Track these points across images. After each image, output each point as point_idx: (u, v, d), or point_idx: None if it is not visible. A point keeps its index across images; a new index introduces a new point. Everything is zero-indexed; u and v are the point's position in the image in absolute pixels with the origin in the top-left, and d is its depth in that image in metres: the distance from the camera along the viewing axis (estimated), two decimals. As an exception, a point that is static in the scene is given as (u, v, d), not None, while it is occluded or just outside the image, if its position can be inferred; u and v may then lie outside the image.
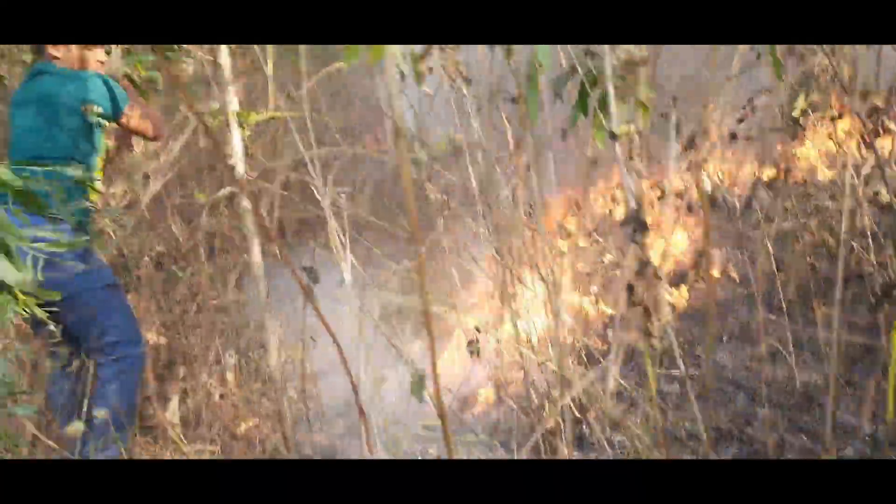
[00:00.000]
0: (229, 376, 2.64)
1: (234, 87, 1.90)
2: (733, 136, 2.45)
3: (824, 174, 3.05)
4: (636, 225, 0.66)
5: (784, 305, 2.01)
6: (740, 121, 2.24)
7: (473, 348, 1.36)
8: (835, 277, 1.95)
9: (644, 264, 0.66)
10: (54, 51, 2.20)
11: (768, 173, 3.54)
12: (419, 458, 1.61)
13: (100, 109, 2.14)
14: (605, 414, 1.30)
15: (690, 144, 2.30)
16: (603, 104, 1.40)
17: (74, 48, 2.21)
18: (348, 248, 1.45)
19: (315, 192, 1.47)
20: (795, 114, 2.01)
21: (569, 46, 1.46)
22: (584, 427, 1.77)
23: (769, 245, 1.91)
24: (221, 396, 2.67)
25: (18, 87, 2.28)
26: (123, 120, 2.23)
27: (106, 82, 2.17)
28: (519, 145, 1.82)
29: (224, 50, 1.86)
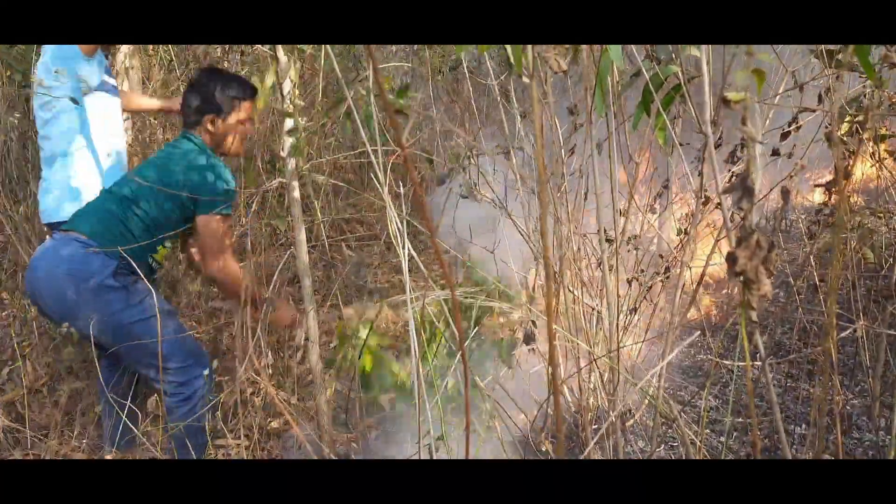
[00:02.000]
0: (263, 373, 2.65)
1: (291, 83, 1.95)
2: (775, 153, 2.47)
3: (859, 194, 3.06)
4: (742, 191, 0.67)
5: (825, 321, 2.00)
6: (784, 137, 2.26)
7: (530, 341, 1.37)
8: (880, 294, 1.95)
9: (748, 233, 0.68)
10: (210, 125, 2.23)
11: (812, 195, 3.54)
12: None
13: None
14: (659, 410, 1.31)
15: (732, 158, 2.32)
16: (666, 105, 1.43)
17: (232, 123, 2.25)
18: (405, 238, 1.47)
19: (375, 179, 1.49)
20: (842, 133, 2.02)
21: (634, 51, 1.49)
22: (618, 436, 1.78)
23: (812, 261, 1.92)
24: (253, 393, 2.68)
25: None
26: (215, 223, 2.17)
27: (228, 182, 2.18)
28: (572, 152, 1.85)
29: (280, 47, 1.91)
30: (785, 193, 1.03)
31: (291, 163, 2.00)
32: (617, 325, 1.44)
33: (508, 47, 0.86)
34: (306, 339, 2.11)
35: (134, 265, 2.06)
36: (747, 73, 0.69)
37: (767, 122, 2.33)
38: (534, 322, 1.40)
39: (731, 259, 0.69)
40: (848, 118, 2.01)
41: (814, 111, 2.13)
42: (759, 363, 0.96)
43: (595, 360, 1.43)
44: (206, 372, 2.20)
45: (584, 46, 1.36)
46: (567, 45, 0.91)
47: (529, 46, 0.83)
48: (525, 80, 0.84)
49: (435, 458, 1.53)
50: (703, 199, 1.82)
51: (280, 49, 1.95)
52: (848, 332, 1.70)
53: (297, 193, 2.00)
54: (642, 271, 2.20)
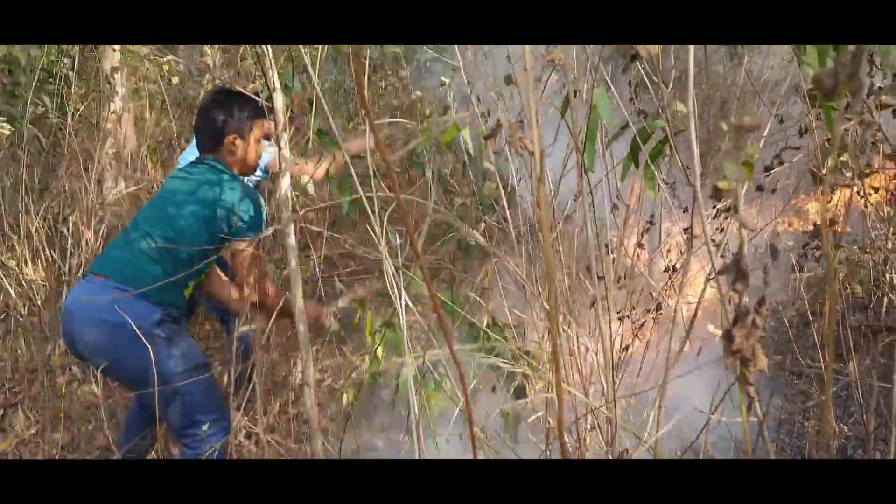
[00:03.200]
0: (257, 417, 2.64)
1: (288, 134, 1.97)
2: (759, 189, 2.51)
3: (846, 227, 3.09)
4: (736, 274, 0.69)
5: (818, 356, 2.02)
6: (767, 174, 2.31)
7: (521, 395, 1.37)
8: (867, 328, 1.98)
9: (743, 313, 0.70)
10: (232, 146, 2.19)
11: (793, 225, 3.59)
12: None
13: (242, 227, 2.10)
14: (656, 456, 1.32)
15: (716, 194, 2.36)
16: (654, 158, 1.46)
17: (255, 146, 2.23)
18: (403, 290, 1.48)
19: (371, 232, 1.51)
20: (825, 171, 2.06)
21: (621, 105, 1.52)
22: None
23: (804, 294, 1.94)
24: (248, 436, 2.67)
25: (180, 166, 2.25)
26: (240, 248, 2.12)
27: (259, 206, 2.14)
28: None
29: (279, 99, 1.93)
30: (773, 251, 1.06)
31: (287, 210, 2.01)
32: (613, 371, 1.46)
33: (469, 140, 0.89)
34: (304, 382, 2.11)
35: (175, 313, 2.05)
36: (737, 165, 0.72)
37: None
38: (526, 375, 1.41)
39: (727, 337, 0.71)
40: (832, 158, 2.05)
41: (797, 149, 2.18)
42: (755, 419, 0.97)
43: (593, 410, 1.44)
44: (223, 431, 2.13)
45: (573, 101, 1.38)
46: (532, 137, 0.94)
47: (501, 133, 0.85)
48: (488, 165, 0.86)
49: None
50: (691, 238, 1.85)
51: (277, 95, 1.97)
52: (842, 381, 1.72)
53: (292, 240, 2.01)
54: (633, 308, 2.22)
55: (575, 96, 1.35)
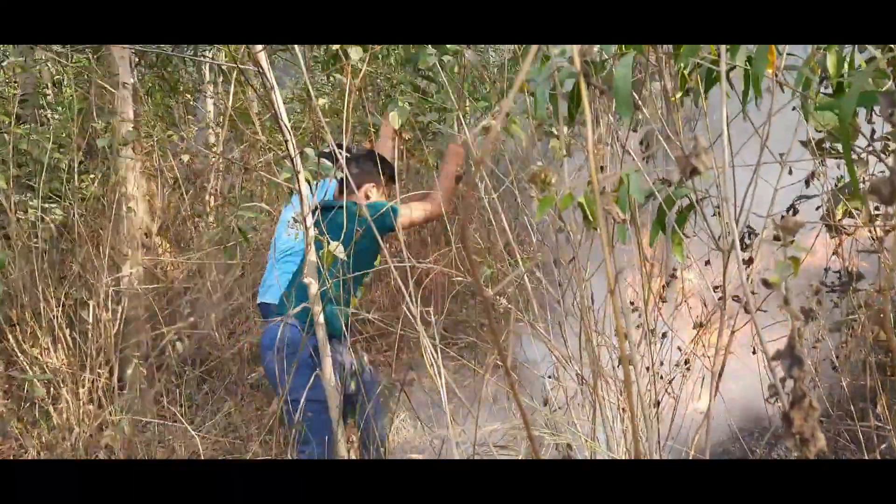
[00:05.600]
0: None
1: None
2: (776, 238, 2.55)
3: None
4: (792, 360, 0.72)
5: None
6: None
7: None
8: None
9: (800, 396, 0.72)
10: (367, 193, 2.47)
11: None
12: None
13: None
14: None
15: (743, 246, 2.40)
16: (681, 224, 1.50)
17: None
18: (440, 362, 1.50)
19: (406, 310, 1.54)
20: (838, 217, 2.11)
21: (645, 176, 1.57)
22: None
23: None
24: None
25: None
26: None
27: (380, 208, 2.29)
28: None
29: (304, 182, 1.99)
30: (807, 315, 1.09)
31: (314, 287, 2.05)
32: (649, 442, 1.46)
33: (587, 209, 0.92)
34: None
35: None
36: (786, 262, 0.76)
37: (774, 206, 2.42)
38: (570, 445, 1.42)
39: (786, 420, 0.73)
40: (842, 205, 2.10)
41: (810, 198, 2.23)
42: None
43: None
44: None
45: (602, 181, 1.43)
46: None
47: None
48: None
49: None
50: (722, 297, 1.88)
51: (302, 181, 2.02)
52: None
53: (321, 318, 2.04)
54: (661, 363, 2.23)
55: (602, 171, 1.40)
